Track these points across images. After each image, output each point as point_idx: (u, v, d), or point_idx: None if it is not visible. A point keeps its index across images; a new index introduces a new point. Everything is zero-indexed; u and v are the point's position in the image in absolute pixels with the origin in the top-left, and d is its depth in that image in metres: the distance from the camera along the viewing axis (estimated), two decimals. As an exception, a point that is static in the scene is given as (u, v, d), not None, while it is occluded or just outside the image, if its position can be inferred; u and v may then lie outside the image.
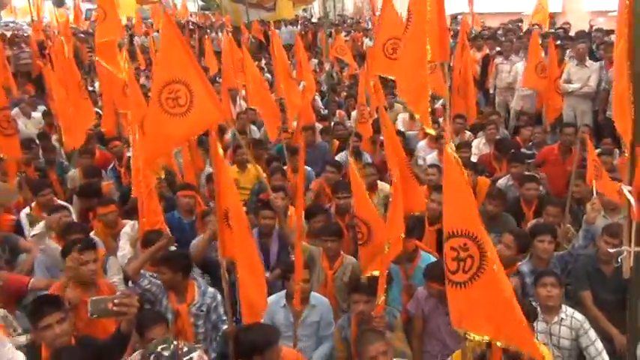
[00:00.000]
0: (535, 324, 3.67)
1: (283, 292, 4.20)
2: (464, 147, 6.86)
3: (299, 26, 19.88)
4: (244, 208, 4.19)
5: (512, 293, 2.73)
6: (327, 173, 6.22)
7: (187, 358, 2.64)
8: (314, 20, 23.26)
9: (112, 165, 7.08)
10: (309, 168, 6.71)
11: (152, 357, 2.67)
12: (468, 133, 7.94)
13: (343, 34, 15.24)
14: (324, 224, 5.06)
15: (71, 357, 2.78)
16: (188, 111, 3.67)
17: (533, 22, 13.28)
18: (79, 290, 3.77)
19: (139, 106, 5.41)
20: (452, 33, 15.50)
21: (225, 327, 4.05)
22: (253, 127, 8.66)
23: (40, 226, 4.73)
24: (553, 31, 12.60)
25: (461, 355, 3.13)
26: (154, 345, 2.74)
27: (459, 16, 14.86)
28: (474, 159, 7.01)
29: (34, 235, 4.71)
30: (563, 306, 3.81)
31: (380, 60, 5.33)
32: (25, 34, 17.87)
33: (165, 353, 2.64)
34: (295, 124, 7.88)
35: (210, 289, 4.18)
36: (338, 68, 12.26)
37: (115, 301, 3.01)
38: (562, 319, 3.74)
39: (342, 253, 4.62)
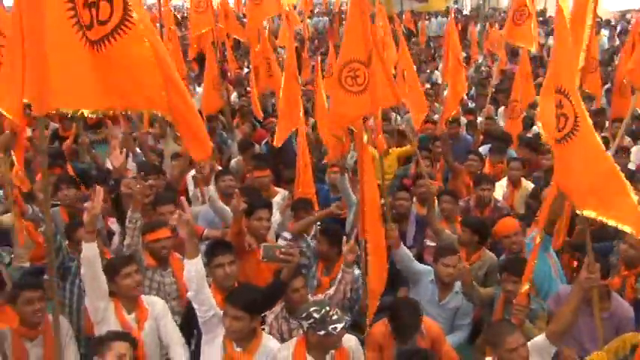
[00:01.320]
0: None
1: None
2: (621, 153, 6.39)
3: (449, 18, 19.46)
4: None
5: (612, 164, 2.71)
6: (469, 161, 6.21)
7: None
8: (465, 12, 22.65)
9: (265, 140, 7.61)
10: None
11: (304, 314, 2.98)
12: (627, 139, 7.39)
13: (497, 26, 14.73)
14: (466, 215, 5.09)
15: (245, 292, 3.15)
16: (364, 90, 3.90)
17: None
18: None
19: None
20: (619, 30, 14.32)
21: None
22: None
23: (210, 189, 5.19)
24: None
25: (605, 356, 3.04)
26: (308, 305, 3.05)
27: (628, 14, 13.65)
28: (632, 166, 6.53)
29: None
30: None
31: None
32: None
33: (316, 315, 2.93)
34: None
35: (356, 271, 4.18)
36: (490, 62, 11.90)
37: (283, 249, 3.39)
38: None
39: (483, 248, 4.53)
